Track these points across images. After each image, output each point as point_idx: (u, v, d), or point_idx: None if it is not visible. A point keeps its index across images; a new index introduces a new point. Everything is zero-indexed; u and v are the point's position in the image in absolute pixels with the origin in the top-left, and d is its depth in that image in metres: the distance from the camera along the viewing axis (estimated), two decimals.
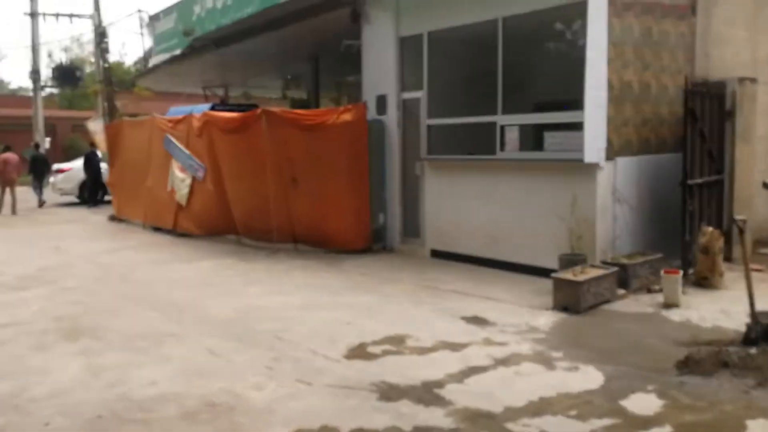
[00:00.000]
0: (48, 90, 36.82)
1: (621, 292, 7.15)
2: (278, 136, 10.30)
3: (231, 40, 13.62)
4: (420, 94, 9.77)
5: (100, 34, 16.15)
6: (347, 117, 10.07)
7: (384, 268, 9.13)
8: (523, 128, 8.55)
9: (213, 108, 12.72)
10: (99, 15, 16.94)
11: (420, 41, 9.70)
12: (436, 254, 9.62)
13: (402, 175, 10.24)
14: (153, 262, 10.07)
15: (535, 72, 9.13)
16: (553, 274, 7.00)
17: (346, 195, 10.11)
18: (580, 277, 6.81)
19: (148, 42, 22.98)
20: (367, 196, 10.18)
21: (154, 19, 18.02)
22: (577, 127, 7.75)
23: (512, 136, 8.61)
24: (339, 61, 15.23)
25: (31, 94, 28.11)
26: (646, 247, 8.01)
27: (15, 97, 42.61)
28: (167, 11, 16.96)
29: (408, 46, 10.02)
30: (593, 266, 7.24)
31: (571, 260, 7.35)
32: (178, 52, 15.52)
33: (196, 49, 14.49)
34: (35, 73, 26.19)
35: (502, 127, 8.64)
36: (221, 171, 11.44)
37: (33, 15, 25.69)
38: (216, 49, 13.99)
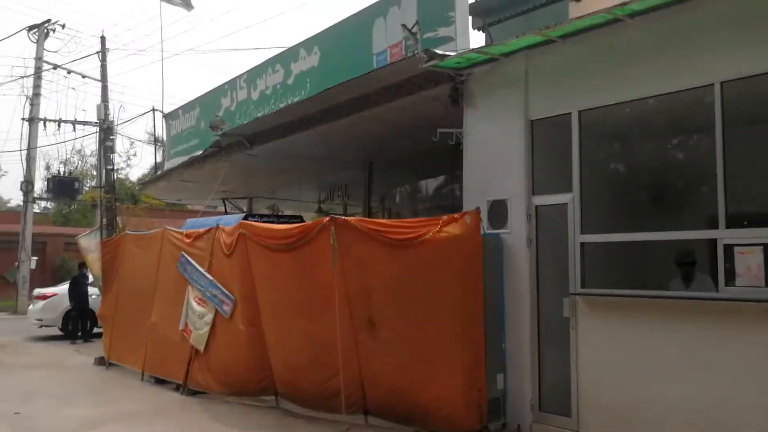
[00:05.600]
0: (42, 204, 34.04)
1: None
2: (351, 257, 7.11)
3: (269, 137, 10.76)
4: (567, 199, 6.64)
5: (106, 130, 13.38)
6: (454, 230, 6.82)
7: None
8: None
9: (247, 218, 9.59)
10: (106, 107, 14.22)
11: (566, 124, 6.70)
12: None
13: (535, 316, 6.91)
14: None
15: None
16: None
17: (453, 345, 6.71)
18: None
19: (158, 153, 20.40)
20: (482, 347, 6.81)
21: (170, 117, 15.35)
22: None
23: (751, 263, 5.40)
24: (394, 166, 12.55)
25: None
26: None
27: (2, 212, 39.59)
28: (187, 107, 14.32)
29: (543, 132, 7.03)
30: None
31: None
32: (198, 153, 12.66)
33: (224, 148, 11.59)
34: (27, 184, 23.15)
35: (728, 248, 5.47)
36: (258, 305, 8.15)
37: (31, 120, 23.14)
38: (249, 147, 11.08)
